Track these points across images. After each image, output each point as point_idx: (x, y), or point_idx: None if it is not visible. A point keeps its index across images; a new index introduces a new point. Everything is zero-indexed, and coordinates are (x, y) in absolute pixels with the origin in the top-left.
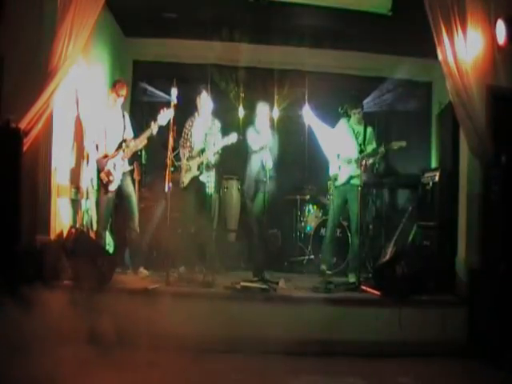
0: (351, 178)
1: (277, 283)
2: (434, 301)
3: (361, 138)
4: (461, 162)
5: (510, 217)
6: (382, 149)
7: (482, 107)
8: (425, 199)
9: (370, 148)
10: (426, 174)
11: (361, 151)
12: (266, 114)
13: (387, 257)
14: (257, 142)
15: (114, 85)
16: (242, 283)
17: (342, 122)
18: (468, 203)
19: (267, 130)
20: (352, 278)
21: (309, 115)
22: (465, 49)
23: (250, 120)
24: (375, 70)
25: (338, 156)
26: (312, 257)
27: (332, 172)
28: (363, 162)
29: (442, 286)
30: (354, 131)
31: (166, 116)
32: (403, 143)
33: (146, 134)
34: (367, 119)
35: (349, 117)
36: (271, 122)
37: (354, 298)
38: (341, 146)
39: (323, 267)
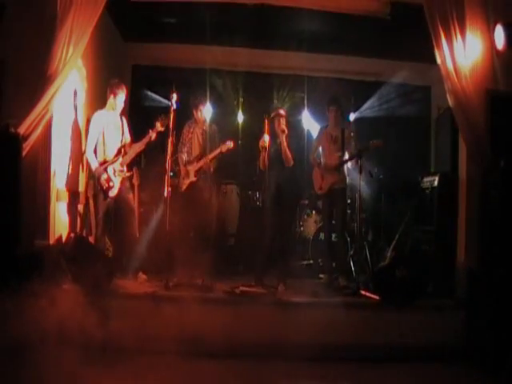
0: (333, 184)
1: (276, 288)
2: (433, 305)
3: (339, 142)
4: (460, 166)
5: (509, 221)
6: (357, 148)
7: (481, 112)
8: (424, 204)
9: (348, 150)
10: (425, 179)
11: (340, 156)
12: (281, 116)
13: (387, 261)
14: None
15: (111, 86)
16: (241, 288)
17: (320, 130)
18: (467, 207)
19: (281, 131)
20: (343, 282)
21: (308, 120)
22: (463, 53)
23: (249, 125)
24: (374, 74)
25: (319, 165)
26: (311, 261)
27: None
28: (344, 167)
29: (442, 290)
30: (331, 137)
31: (164, 122)
32: (379, 143)
33: (145, 140)
34: (366, 124)
35: (326, 124)
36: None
37: (353, 303)
38: (321, 155)
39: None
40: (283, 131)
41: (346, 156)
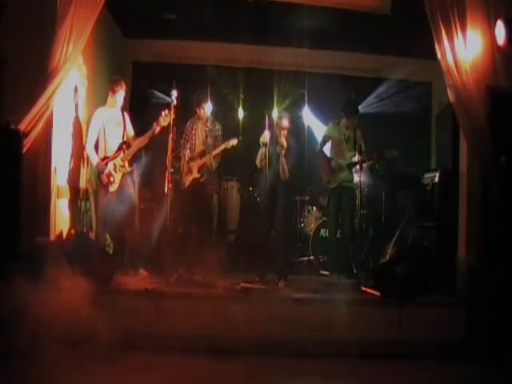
0: (343, 181)
1: (277, 284)
2: (433, 301)
3: (351, 142)
4: (460, 162)
5: (510, 217)
6: (374, 156)
7: (482, 107)
8: (424, 200)
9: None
10: (426, 175)
11: (352, 156)
12: (286, 128)
13: (387, 257)
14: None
15: (111, 83)
16: (242, 284)
17: (332, 125)
18: (468, 204)
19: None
20: (344, 278)
21: (308, 116)
22: (464, 49)
23: (249, 121)
24: (375, 70)
25: (330, 162)
26: (312, 258)
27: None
28: (356, 168)
29: (442, 286)
30: (344, 135)
31: (167, 117)
32: (396, 153)
33: (149, 133)
34: (367, 120)
35: (338, 120)
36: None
37: (353, 299)
38: (332, 151)
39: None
40: (282, 146)
41: (357, 156)
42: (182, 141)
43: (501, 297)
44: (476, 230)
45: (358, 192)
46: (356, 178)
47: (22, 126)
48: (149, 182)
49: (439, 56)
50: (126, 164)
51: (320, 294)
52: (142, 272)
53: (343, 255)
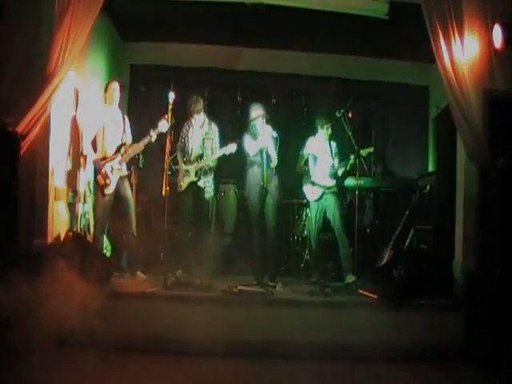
0: (324, 193)
1: (274, 287)
2: (430, 304)
3: (328, 152)
4: (458, 165)
5: (507, 220)
6: (351, 159)
7: (479, 111)
8: (422, 203)
9: (337, 164)
10: (424, 178)
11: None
12: (260, 115)
13: (385, 260)
14: (253, 147)
15: (106, 83)
16: (240, 287)
17: (311, 140)
18: (465, 207)
19: (265, 131)
20: (350, 279)
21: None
22: (462, 53)
23: (246, 124)
24: (372, 73)
25: (312, 174)
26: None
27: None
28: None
29: (440, 289)
30: (321, 149)
31: (165, 124)
32: (371, 149)
33: (145, 141)
34: (364, 124)
35: (315, 133)
36: (267, 121)
37: (351, 302)
38: (313, 165)
39: (314, 278)
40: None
41: (337, 163)
42: (179, 143)
43: (498, 299)
44: (473, 232)
45: (355, 195)
46: (352, 182)
47: (20, 128)
48: (146, 184)
49: (437, 59)
50: (124, 167)
51: (317, 297)
52: (140, 275)
53: (341, 258)
